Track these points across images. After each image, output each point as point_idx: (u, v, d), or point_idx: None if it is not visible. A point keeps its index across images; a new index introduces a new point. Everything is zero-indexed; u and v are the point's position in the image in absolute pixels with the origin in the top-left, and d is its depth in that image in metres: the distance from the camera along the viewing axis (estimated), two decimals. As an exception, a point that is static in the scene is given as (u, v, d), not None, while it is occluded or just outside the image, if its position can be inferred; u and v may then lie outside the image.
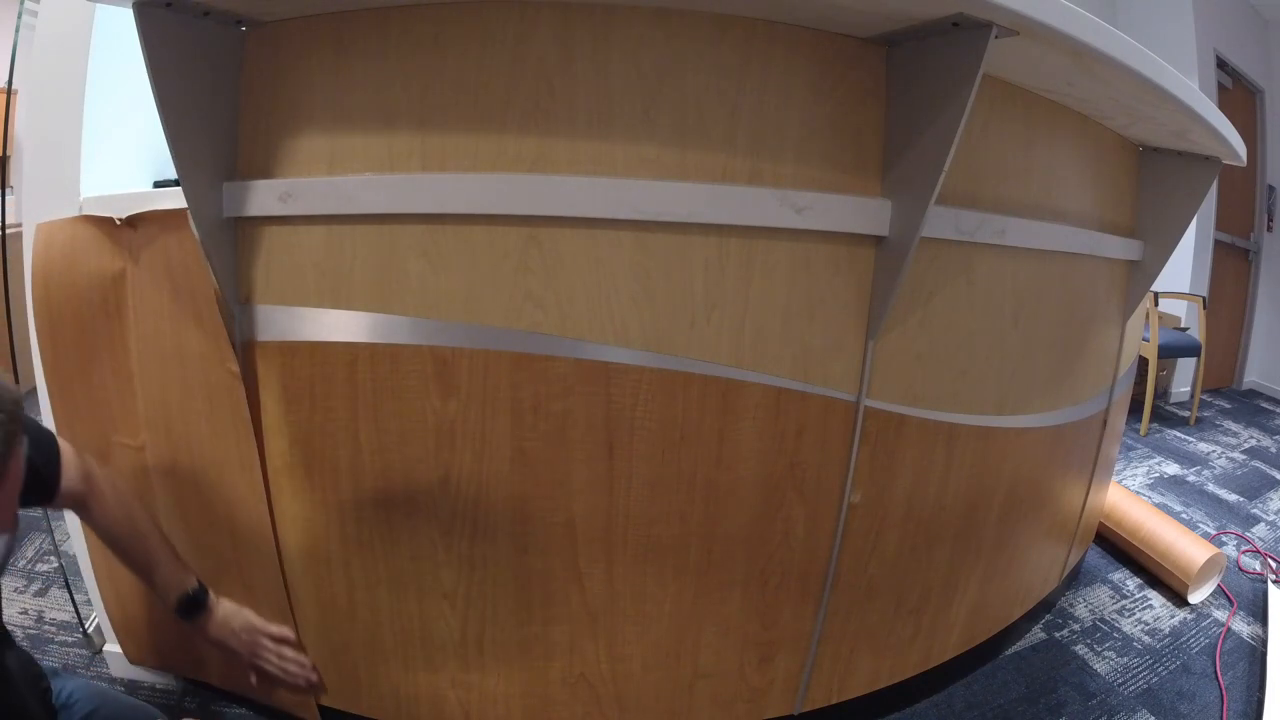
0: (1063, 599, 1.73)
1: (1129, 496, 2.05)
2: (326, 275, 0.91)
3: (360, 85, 0.86)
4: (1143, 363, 2.87)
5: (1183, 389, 3.68)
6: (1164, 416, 3.43)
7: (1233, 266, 3.95)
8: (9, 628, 0.80)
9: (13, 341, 1.33)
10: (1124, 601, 1.75)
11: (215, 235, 0.90)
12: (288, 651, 1.03)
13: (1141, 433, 3.11)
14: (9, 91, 1.22)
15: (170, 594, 0.94)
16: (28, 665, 0.80)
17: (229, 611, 0.99)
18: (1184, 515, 2.30)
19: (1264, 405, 3.90)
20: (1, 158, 1.33)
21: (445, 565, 1.01)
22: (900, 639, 1.25)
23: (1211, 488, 2.56)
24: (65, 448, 0.87)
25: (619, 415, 0.94)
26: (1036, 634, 1.59)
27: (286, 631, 1.04)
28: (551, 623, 1.03)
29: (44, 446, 0.83)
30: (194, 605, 0.95)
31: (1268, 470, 2.80)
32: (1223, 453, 2.97)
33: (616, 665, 1.07)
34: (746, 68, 0.86)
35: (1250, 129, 3.83)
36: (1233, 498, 2.48)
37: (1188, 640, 1.59)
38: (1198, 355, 3.24)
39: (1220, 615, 1.70)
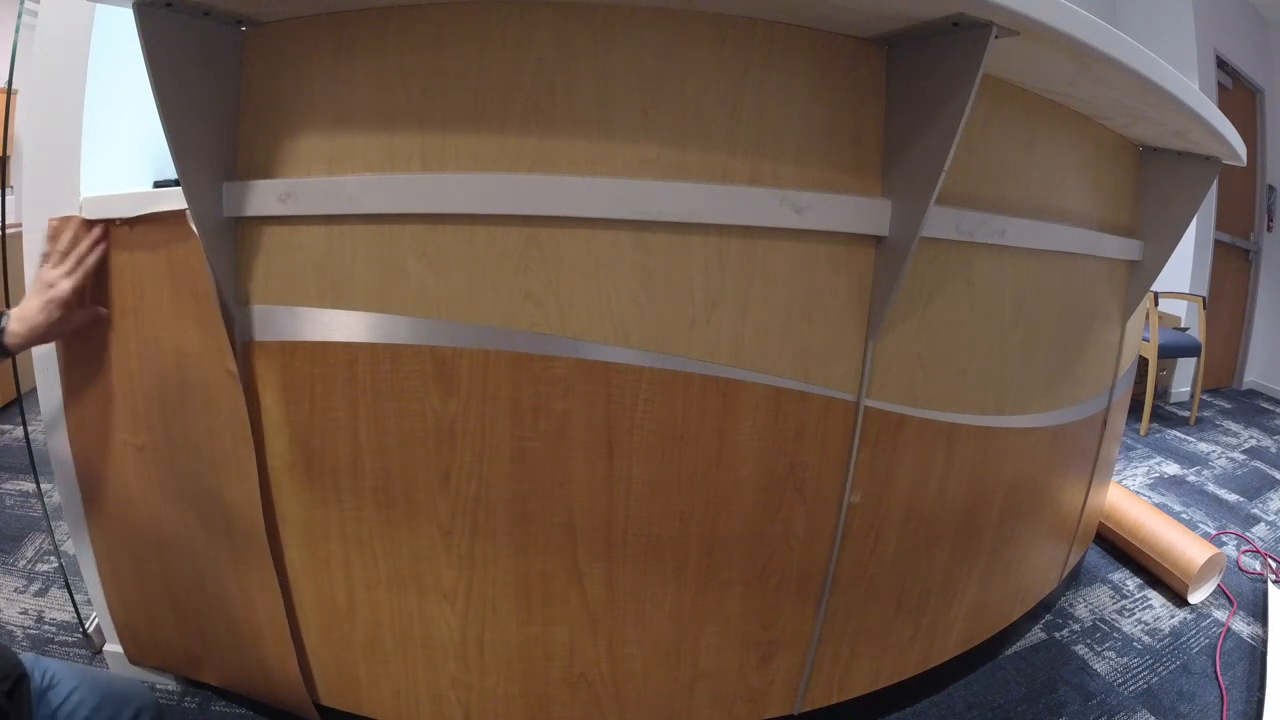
0: (1063, 599, 1.73)
1: (1129, 496, 2.05)
2: (326, 275, 0.91)
3: (360, 85, 0.86)
4: (1143, 363, 2.88)
5: (1183, 389, 3.68)
6: (1164, 416, 3.43)
7: (1233, 266, 3.95)
8: (9, 627, 0.79)
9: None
10: (1124, 601, 1.75)
11: (215, 235, 0.90)
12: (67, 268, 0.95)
13: (1141, 433, 3.11)
14: (9, 91, 1.22)
15: None
16: None
17: (26, 305, 0.93)
18: (1184, 515, 2.30)
19: (1264, 405, 3.90)
20: (1, 158, 1.33)
21: (445, 565, 1.01)
22: (900, 639, 1.25)
23: (1211, 488, 2.57)
24: None
25: (619, 415, 0.94)
26: (1036, 634, 1.59)
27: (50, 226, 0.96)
28: (551, 623, 1.03)
29: None
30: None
31: (1268, 470, 2.80)
32: (1223, 453, 2.97)
33: (617, 665, 1.07)
34: (746, 68, 0.86)
35: (1250, 129, 3.83)
36: (1233, 498, 2.48)
37: (1188, 640, 1.59)
38: (1198, 355, 3.24)
39: (1220, 615, 1.70)
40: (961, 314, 1.08)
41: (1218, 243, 3.68)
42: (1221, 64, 3.53)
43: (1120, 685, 1.43)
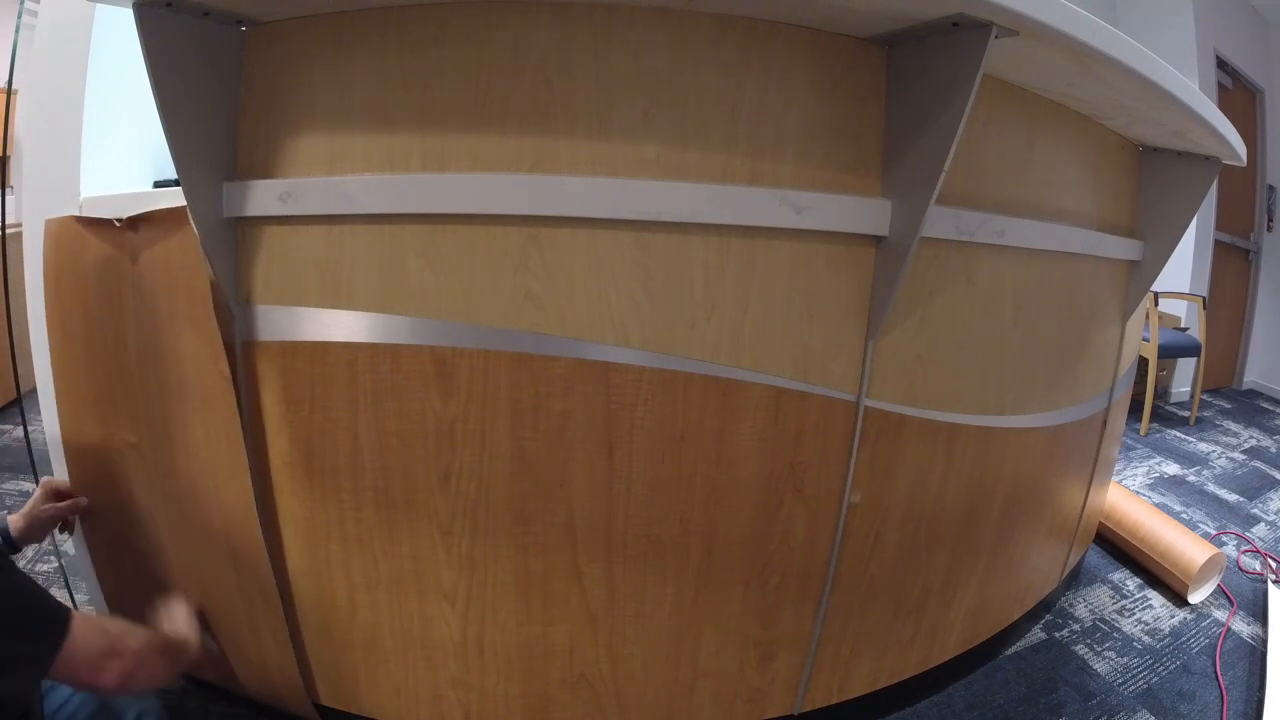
0: (1063, 599, 1.73)
1: (1129, 496, 2.05)
2: (326, 275, 0.91)
3: (360, 85, 0.86)
4: (1143, 363, 2.87)
5: (1183, 389, 3.68)
6: (1164, 416, 3.43)
7: (1233, 266, 3.95)
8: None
9: (13, 341, 1.33)
10: (1124, 601, 1.75)
11: (215, 235, 0.90)
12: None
13: (1141, 433, 3.11)
14: (9, 91, 1.22)
15: None
16: None
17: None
18: (1184, 515, 2.30)
19: (1264, 405, 3.90)
20: (1, 158, 1.33)
21: (445, 565, 1.01)
22: (900, 639, 1.25)
23: (1211, 488, 2.56)
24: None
25: (619, 415, 0.94)
26: (1036, 634, 1.59)
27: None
28: (551, 623, 1.03)
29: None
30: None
31: (1268, 470, 2.80)
32: (1223, 453, 2.97)
33: (617, 665, 1.07)
34: (747, 68, 0.86)
35: (1250, 129, 3.83)
36: (1233, 498, 2.48)
37: (1188, 640, 1.59)
38: (1198, 355, 3.24)
39: (1220, 615, 1.70)
40: (961, 314, 1.08)
41: (1218, 243, 3.67)
42: (1221, 64, 3.53)
43: (1120, 685, 1.43)
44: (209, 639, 1.12)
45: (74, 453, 1.14)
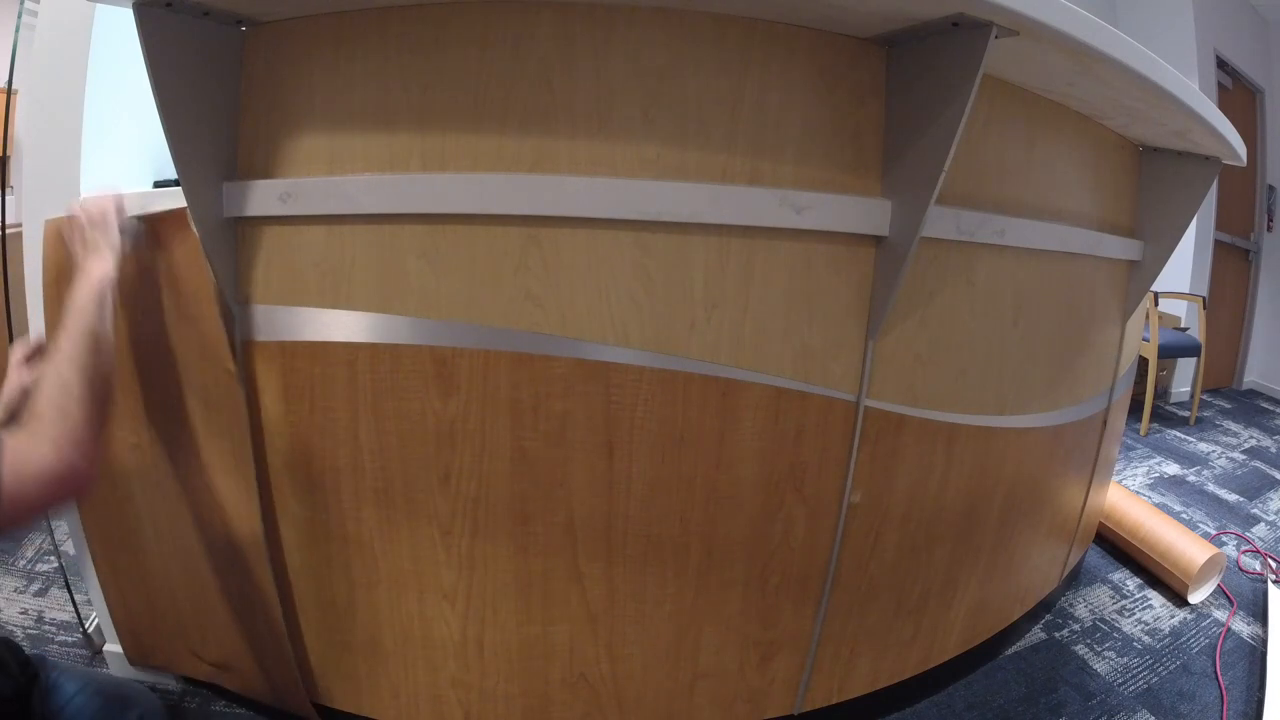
0: (1063, 599, 1.73)
1: (1129, 496, 2.05)
2: (326, 275, 0.91)
3: (360, 85, 0.86)
4: (1143, 363, 2.87)
5: (1183, 389, 3.68)
6: (1164, 416, 3.43)
7: (1233, 266, 3.95)
8: (9, 627, 0.79)
9: (13, 341, 1.33)
10: (1124, 601, 1.75)
11: (215, 235, 0.90)
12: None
13: (1141, 433, 3.11)
14: (9, 91, 1.22)
15: None
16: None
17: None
18: (1184, 515, 2.30)
19: (1264, 405, 3.90)
20: (1, 158, 1.33)
21: (445, 565, 1.01)
22: (900, 639, 1.25)
23: (1211, 488, 2.56)
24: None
25: (619, 415, 0.94)
26: (1036, 634, 1.59)
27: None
28: (551, 623, 1.03)
29: None
30: None
31: (1268, 470, 2.80)
32: (1223, 453, 2.97)
33: (617, 665, 1.07)
34: (746, 68, 0.86)
35: (1250, 129, 3.83)
36: (1233, 498, 2.48)
37: (1188, 640, 1.59)
38: (1198, 355, 3.24)
39: (1220, 615, 1.70)
40: (961, 314, 1.08)
41: (1218, 243, 3.67)
42: (1221, 64, 3.53)
43: (1120, 685, 1.43)
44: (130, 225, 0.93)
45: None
